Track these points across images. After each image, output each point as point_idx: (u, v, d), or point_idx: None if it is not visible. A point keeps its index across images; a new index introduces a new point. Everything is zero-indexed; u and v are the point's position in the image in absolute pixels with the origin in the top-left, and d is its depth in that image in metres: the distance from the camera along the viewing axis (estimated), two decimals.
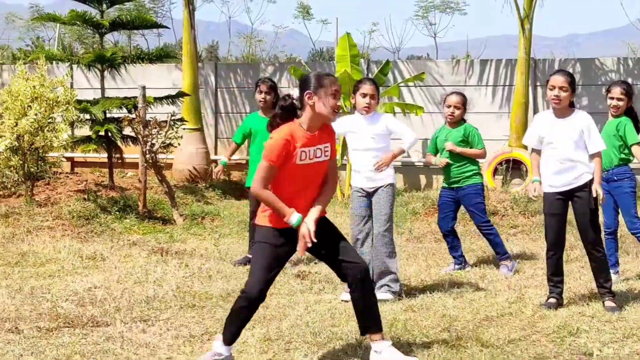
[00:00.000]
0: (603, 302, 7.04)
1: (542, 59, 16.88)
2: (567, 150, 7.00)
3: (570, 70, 16.03)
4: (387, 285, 7.42)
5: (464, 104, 8.82)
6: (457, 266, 8.81)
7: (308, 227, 5.20)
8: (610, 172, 7.99)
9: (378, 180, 7.47)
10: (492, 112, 15.76)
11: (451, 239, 8.92)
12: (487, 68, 16.68)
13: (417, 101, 16.31)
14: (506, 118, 15.54)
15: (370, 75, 15.77)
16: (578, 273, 8.43)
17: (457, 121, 8.83)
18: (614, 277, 8.04)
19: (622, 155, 8.01)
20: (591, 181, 7.01)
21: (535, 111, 15.96)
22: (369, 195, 7.51)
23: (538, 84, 16.21)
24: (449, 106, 8.80)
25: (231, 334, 5.36)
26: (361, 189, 7.53)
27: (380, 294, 7.19)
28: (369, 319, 5.47)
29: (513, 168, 14.80)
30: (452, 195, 8.84)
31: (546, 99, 7.18)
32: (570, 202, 7.11)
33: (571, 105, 7.18)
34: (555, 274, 7.23)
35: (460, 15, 29.92)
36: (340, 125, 7.39)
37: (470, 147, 8.77)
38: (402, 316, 6.69)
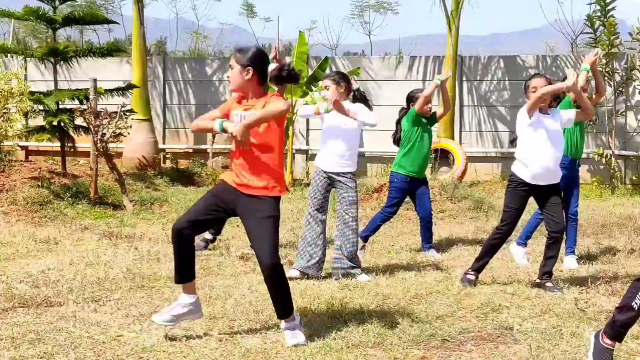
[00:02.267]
0: (545, 284, 7.09)
1: (468, 56, 17.04)
2: (557, 147, 7.09)
3: (494, 67, 16.25)
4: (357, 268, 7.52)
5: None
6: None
7: (234, 126, 5.27)
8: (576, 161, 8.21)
9: (343, 167, 7.48)
10: None
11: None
12: (418, 64, 16.80)
13: None
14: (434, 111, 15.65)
15: (310, 71, 15.79)
16: (500, 253, 8.54)
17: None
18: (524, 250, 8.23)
19: (572, 148, 8.19)
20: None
21: (462, 104, 16.14)
22: (331, 179, 7.53)
23: (464, 79, 16.38)
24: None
25: (175, 272, 5.62)
26: (325, 172, 7.52)
27: (361, 276, 7.39)
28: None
29: (441, 157, 14.94)
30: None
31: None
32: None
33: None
34: (490, 257, 7.34)
35: (393, 14, 30.01)
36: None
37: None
38: (338, 294, 6.71)
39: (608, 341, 4.90)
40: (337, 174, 7.46)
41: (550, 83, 7.49)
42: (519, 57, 16.53)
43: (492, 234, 7.35)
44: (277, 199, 5.47)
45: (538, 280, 7.14)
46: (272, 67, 5.59)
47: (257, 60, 5.45)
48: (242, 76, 5.44)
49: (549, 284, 7.07)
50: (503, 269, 7.83)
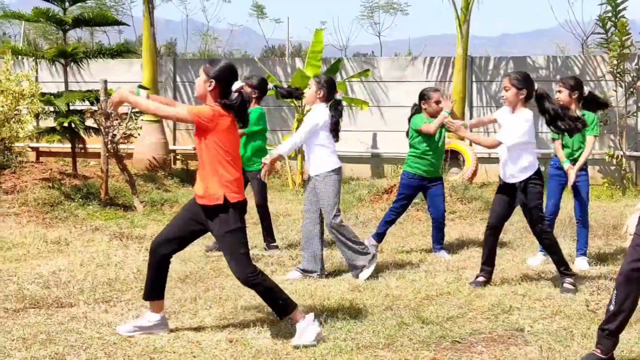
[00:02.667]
0: (561, 283, 7.09)
1: (478, 57, 17.01)
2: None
3: (504, 67, 16.22)
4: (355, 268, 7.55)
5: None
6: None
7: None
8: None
9: (310, 169, 7.57)
10: None
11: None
12: (428, 65, 16.78)
13: (360, 96, 16.37)
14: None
15: (321, 72, 15.78)
16: (510, 255, 8.54)
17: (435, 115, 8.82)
18: (543, 258, 8.18)
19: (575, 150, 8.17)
20: (535, 174, 7.15)
21: (471, 105, 16.11)
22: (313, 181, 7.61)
23: (474, 79, 16.36)
24: (438, 102, 8.72)
25: (145, 288, 5.74)
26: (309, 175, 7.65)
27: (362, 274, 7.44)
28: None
29: (451, 158, 14.92)
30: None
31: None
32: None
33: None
34: (490, 253, 7.35)
35: (403, 15, 30.00)
36: None
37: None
38: (348, 296, 6.72)
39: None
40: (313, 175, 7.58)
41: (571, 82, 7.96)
42: (529, 58, 16.49)
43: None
44: (228, 211, 5.46)
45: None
46: (237, 85, 5.56)
47: (222, 75, 5.50)
48: (204, 86, 5.52)
49: (565, 284, 7.04)
50: (514, 270, 7.81)
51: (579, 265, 8.08)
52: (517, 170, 7.08)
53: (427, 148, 8.63)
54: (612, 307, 4.95)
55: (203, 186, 5.48)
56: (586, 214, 8.25)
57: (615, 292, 4.94)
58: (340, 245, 7.51)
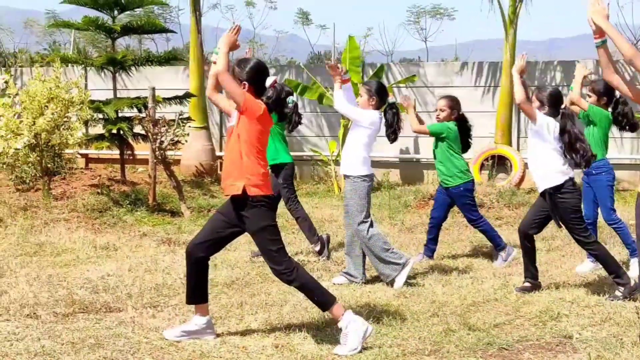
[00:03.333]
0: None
1: (526, 62, 16.84)
2: (530, 151, 7.12)
3: (552, 72, 16.06)
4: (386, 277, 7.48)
5: (450, 106, 8.66)
6: (425, 256, 8.80)
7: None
8: (591, 165, 7.98)
9: (344, 170, 7.59)
10: (479, 111, 15.67)
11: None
12: (474, 70, 16.67)
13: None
14: (492, 117, 15.51)
15: (365, 77, 15.77)
16: (559, 261, 8.45)
17: (443, 122, 8.75)
18: (592, 265, 8.06)
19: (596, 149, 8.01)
20: (568, 181, 7.03)
21: (519, 111, 15.96)
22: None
23: None
24: (436, 110, 8.78)
25: (187, 293, 5.78)
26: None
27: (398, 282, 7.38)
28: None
29: (498, 164, 14.81)
30: (444, 192, 8.75)
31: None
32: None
33: None
34: (527, 257, 7.29)
35: (450, 20, 29.91)
36: None
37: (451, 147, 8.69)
38: (394, 302, 6.70)
39: None
40: (345, 175, 7.59)
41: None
42: (577, 62, 16.31)
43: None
44: (253, 207, 5.52)
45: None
46: (269, 80, 5.60)
47: (254, 75, 5.56)
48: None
49: (616, 292, 6.91)
50: (562, 276, 7.72)
51: (633, 270, 7.88)
52: (546, 178, 7.02)
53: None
54: None
55: (228, 177, 5.56)
56: (610, 216, 8.03)
57: None
58: (366, 250, 7.48)
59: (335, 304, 5.52)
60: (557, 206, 6.93)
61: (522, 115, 15.86)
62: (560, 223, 7.03)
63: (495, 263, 8.48)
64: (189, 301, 5.77)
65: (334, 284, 7.37)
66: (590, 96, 8.06)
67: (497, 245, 8.58)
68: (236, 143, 5.53)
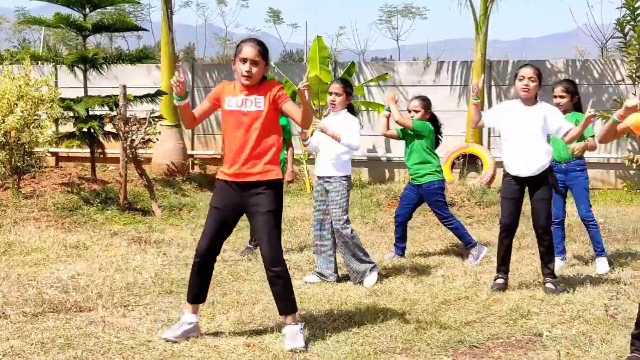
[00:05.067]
0: (544, 284, 7.13)
1: (497, 61, 16.96)
2: (532, 138, 7.08)
3: None
4: (358, 274, 7.48)
5: (424, 107, 8.75)
6: (397, 255, 8.84)
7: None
8: (571, 163, 8.08)
9: (331, 172, 7.48)
10: (450, 110, 15.77)
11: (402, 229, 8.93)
12: (446, 69, 16.75)
13: (380, 100, 16.36)
14: (463, 116, 15.60)
15: (337, 76, 15.79)
16: (529, 259, 8.50)
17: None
18: (561, 263, 8.14)
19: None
20: (550, 169, 7.11)
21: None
22: (321, 181, 7.56)
23: (493, 84, 16.32)
24: (409, 111, 8.82)
25: (191, 292, 5.74)
26: (319, 177, 7.59)
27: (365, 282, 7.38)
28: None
29: (469, 162, 14.89)
30: (415, 190, 8.81)
31: (515, 90, 7.29)
32: (527, 188, 7.17)
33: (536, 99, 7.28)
34: (505, 256, 7.31)
35: (421, 19, 30.02)
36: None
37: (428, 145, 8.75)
38: (366, 300, 6.71)
39: None
40: (325, 178, 7.53)
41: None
42: (548, 62, 16.43)
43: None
44: (276, 188, 5.57)
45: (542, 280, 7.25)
46: None
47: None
48: (264, 70, 5.60)
49: (548, 285, 7.10)
50: (533, 275, 7.77)
51: (600, 267, 8.02)
52: (542, 161, 7.10)
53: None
54: None
55: (259, 163, 5.48)
56: (589, 213, 8.14)
57: None
58: (345, 249, 7.47)
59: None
60: (547, 183, 7.11)
61: None
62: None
63: (467, 261, 8.53)
64: (195, 300, 5.71)
65: (306, 282, 7.38)
66: (563, 97, 8.09)
67: (468, 243, 8.63)
68: (262, 130, 5.50)
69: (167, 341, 5.49)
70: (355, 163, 15.99)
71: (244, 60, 5.50)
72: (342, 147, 7.43)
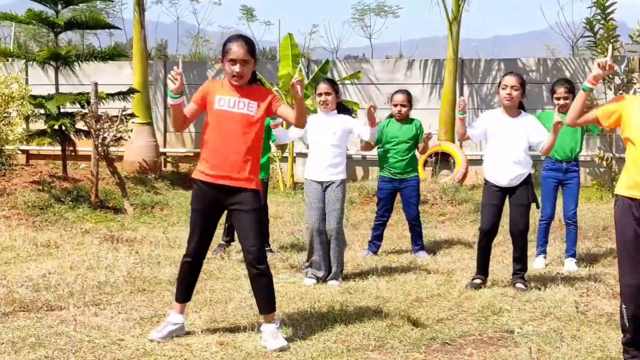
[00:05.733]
0: (515, 284, 7.17)
1: (469, 59, 17.04)
2: (513, 149, 7.13)
3: (495, 70, 16.24)
4: (337, 274, 7.48)
5: (409, 101, 8.87)
6: (371, 252, 8.90)
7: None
8: (571, 163, 8.21)
9: (333, 175, 7.44)
10: (423, 108, 15.82)
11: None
12: (418, 67, 16.80)
13: (353, 98, 16.38)
14: (435, 114, 15.66)
15: (310, 74, 15.79)
16: (501, 257, 8.55)
17: (405, 117, 8.88)
18: (544, 261, 8.23)
19: (579, 149, 8.20)
20: (529, 175, 7.17)
21: None
22: (320, 185, 7.50)
23: (465, 82, 16.40)
24: (396, 105, 8.83)
25: (181, 292, 5.71)
26: (317, 182, 7.47)
27: (332, 282, 7.36)
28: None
29: (442, 160, 14.95)
30: (392, 186, 8.88)
31: (499, 98, 7.33)
32: (508, 195, 7.22)
33: (520, 107, 7.30)
34: (484, 259, 7.35)
35: (394, 18, 30.04)
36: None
37: (417, 142, 8.85)
38: (339, 298, 6.72)
39: None
40: (327, 182, 7.49)
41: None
42: (519, 60, 16.54)
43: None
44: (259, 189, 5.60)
45: (511, 279, 7.33)
46: None
47: None
48: (253, 67, 5.56)
49: (518, 284, 7.17)
50: (504, 272, 7.82)
51: (568, 266, 8.12)
52: (521, 172, 7.15)
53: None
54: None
55: (250, 171, 5.44)
56: (575, 214, 8.28)
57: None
58: (338, 250, 7.48)
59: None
60: (527, 191, 7.21)
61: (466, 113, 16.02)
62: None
63: (419, 254, 8.78)
64: (184, 299, 5.69)
65: (305, 285, 7.32)
66: (567, 99, 8.08)
67: (419, 245, 8.93)
68: (251, 137, 5.46)
69: (151, 341, 5.46)
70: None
71: (234, 62, 5.43)
72: (341, 151, 7.48)
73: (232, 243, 8.93)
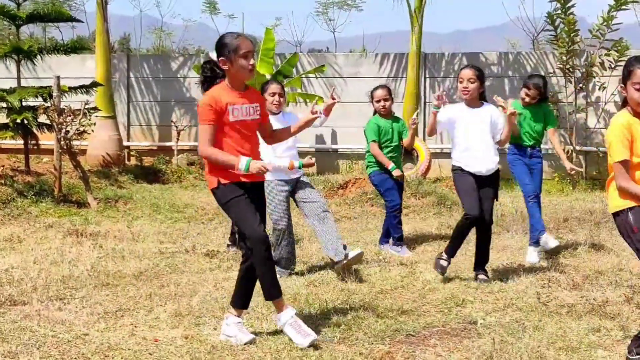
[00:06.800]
0: (477, 276, 7.23)
1: (431, 53, 17.10)
2: (487, 138, 7.19)
3: (457, 64, 16.32)
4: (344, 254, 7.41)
5: (391, 94, 8.90)
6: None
7: (257, 165, 5.20)
8: (535, 149, 8.39)
9: (297, 173, 7.46)
10: None
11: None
12: (382, 61, 16.84)
13: (318, 92, 16.37)
14: (398, 108, 15.69)
15: (277, 67, 15.75)
16: (464, 249, 8.58)
17: (389, 112, 8.87)
18: (553, 241, 8.30)
19: (542, 136, 8.48)
20: (498, 169, 7.23)
21: (425, 101, 16.20)
22: (289, 185, 7.50)
23: (427, 76, 16.45)
24: (378, 100, 8.79)
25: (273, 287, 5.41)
26: (284, 181, 7.47)
27: (351, 253, 7.32)
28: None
29: (405, 153, 14.97)
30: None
31: (457, 92, 7.39)
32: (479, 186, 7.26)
33: (481, 98, 7.34)
34: (459, 243, 7.37)
35: (357, 11, 30.05)
36: None
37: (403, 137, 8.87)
38: (304, 290, 6.72)
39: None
40: (295, 178, 7.52)
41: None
42: (481, 54, 16.63)
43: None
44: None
45: (474, 272, 7.37)
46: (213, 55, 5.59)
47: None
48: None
49: (480, 276, 7.25)
50: (467, 263, 7.87)
51: (530, 258, 8.17)
52: (496, 160, 7.26)
53: None
54: None
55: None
56: (539, 193, 8.37)
57: None
58: (332, 230, 7.42)
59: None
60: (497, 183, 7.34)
61: (427, 106, 16.12)
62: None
63: (386, 246, 8.79)
64: (277, 295, 5.44)
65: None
66: (530, 93, 8.36)
67: (387, 235, 8.94)
68: (258, 139, 5.51)
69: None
70: (302, 155, 16.01)
71: (247, 55, 5.30)
72: (295, 142, 7.56)
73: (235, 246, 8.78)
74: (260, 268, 5.32)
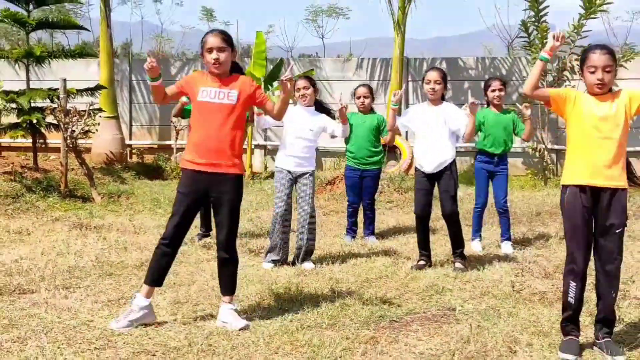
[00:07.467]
0: (454, 264, 7.27)
1: (414, 58, 17.12)
2: (437, 136, 7.21)
3: None
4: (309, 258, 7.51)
5: (371, 93, 8.98)
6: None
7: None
8: (504, 156, 8.33)
9: (305, 167, 7.46)
10: None
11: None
12: (368, 66, 16.84)
13: None
14: (382, 109, 15.71)
15: (267, 70, 15.73)
16: (443, 240, 8.62)
17: (368, 109, 8.93)
18: (480, 244, 8.33)
19: (511, 144, 8.37)
20: (453, 163, 7.23)
21: (408, 103, 16.22)
22: (294, 177, 7.49)
23: (410, 79, 16.47)
24: (359, 97, 8.88)
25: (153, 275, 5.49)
26: (289, 171, 7.48)
27: (307, 264, 7.36)
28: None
29: (388, 152, 15.01)
30: (359, 176, 8.93)
31: (424, 92, 7.43)
32: (436, 180, 7.29)
33: (442, 99, 7.40)
34: (424, 241, 7.43)
35: (345, 19, 30.10)
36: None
37: (380, 134, 8.89)
38: (294, 280, 6.72)
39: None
40: (299, 173, 7.49)
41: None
42: (460, 59, 16.66)
43: None
44: (242, 180, 5.54)
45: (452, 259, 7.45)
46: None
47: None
48: (232, 56, 5.48)
49: (457, 264, 7.29)
50: (446, 254, 7.89)
51: (505, 249, 8.21)
52: (449, 155, 7.23)
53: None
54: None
55: (234, 155, 5.39)
56: (506, 203, 8.38)
57: None
58: (313, 230, 7.52)
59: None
60: (453, 176, 7.29)
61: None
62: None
63: (369, 239, 8.83)
64: (152, 282, 5.46)
65: (264, 268, 7.30)
66: (501, 90, 8.42)
67: (369, 230, 8.98)
68: (234, 124, 5.38)
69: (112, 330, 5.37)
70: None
71: (210, 50, 5.38)
72: (313, 145, 7.54)
73: (210, 232, 8.79)
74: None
